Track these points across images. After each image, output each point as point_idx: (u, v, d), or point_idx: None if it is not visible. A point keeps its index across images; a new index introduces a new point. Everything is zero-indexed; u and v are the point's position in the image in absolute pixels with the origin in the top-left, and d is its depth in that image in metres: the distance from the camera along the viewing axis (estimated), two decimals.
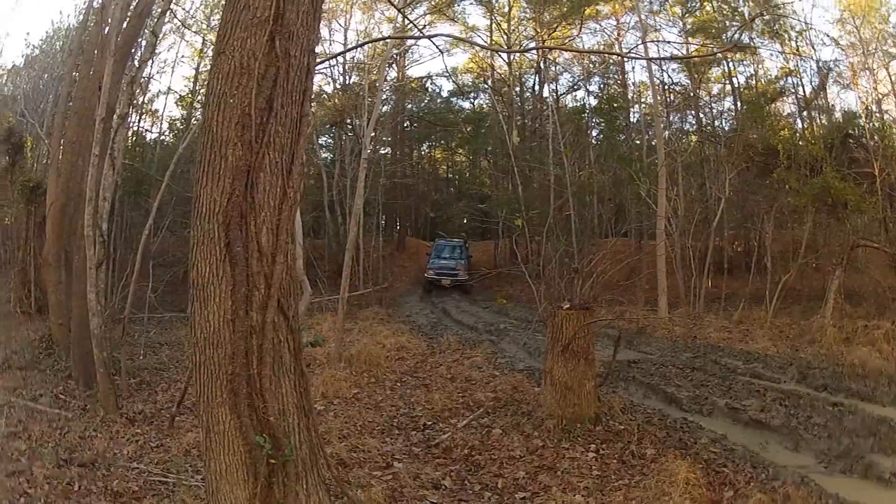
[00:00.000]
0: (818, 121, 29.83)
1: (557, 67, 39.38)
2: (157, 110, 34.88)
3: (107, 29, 12.89)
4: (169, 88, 34.54)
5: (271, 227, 4.82)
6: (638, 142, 34.66)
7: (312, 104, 5.13)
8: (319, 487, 5.12)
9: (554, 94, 37.46)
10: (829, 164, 18.85)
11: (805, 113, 30.58)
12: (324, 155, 36.20)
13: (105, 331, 10.48)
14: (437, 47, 30.09)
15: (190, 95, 34.07)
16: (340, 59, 34.43)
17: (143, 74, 20.63)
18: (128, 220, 25.60)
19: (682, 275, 24.09)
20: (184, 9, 28.33)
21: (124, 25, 12.34)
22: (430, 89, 44.77)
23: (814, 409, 10.29)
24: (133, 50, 13.42)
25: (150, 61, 18.99)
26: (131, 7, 12.63)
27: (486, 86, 40.23)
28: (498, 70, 40.10)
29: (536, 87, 39.78)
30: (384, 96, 28.94)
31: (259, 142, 4.71)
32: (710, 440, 8.89)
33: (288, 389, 4.97)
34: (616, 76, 37.59)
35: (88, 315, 10.31)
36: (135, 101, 20.87)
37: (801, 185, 19.13)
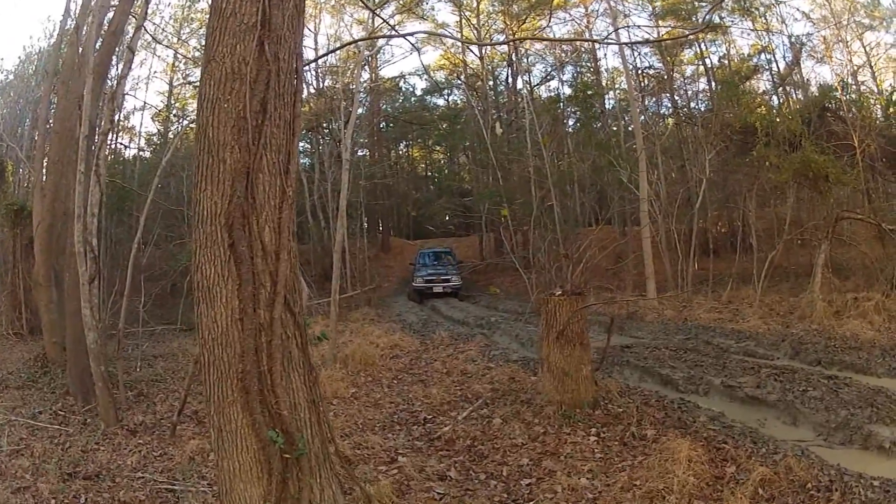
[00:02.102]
0: (794, 96, 30.02)
1: (530, 59, 39.57)
2: (133, 127, 34.97)
3: (82, 49, 12.88)
4: (144, 104, 34.45)
5: (273, 226, 4.87)
6: (615, 128, 34.79)
7: None
8: (332, 481, 5.17)
9: (528, 86, 37.54)
10: (808, 139, 18.90)
11: (780, 89, 30.77)
12: (303, 160, 36.17)
13: (101, 347, 10.45)
14: (412, 45, 30.02)
15: (165, 110, 34.06)
16: (314, 64, 34.38)
17: (122, 90, 20.61)
18: (113, 237, 25.60)
19: (668, 258, 24.14)
20: (154, 23, 28.26)
21: (99, 44, 12.34)
22: (403, 89, 45.02)
23: (809, 383, 10.32)
24: (110, 67, 13.38)
25: (127, 78, 18.96)
26: (105, 26, 12.62)
27: (459, 82, 40.31)
28: (470, 65, 40.19)
29: (510, 80, 39.90)
30: (360, 97, 28.84)
31: (256, 144, 4.76)
32: (709, 418, 8.92)
33: (298, 384, 5.02)
34: (589, 64, 37.73)
35: (83, 331, 10.29)
36: (113, 125, 20.85)
37: (780, 161, 19.17)
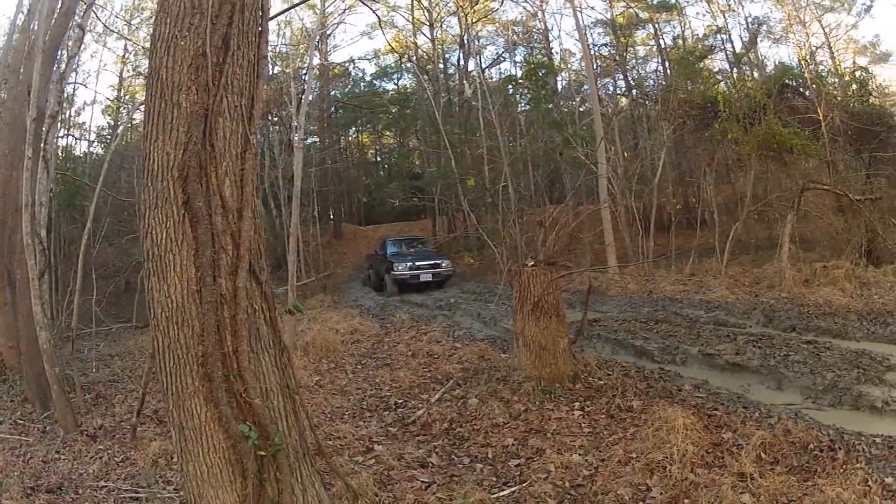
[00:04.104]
0: (751, 75, 30.17)
1: (481, 40, 39.38)
2: (84, 122, 34.24)
3: (34, 30, 12.33)
4: (94, 98, 33.83)
5: (235, 179, 4.44)
6: (566, 109, 34.65)
7: None
8: (314, 478, 4.71)
9: (479, 68, 37.28)
10: (772, 111, 18.92)
11: (735, 70, 30.95)
12: None
13: (55, 347, 10.07)
14: (373, 12, 29.13)
15: (115, 101, 33.32)
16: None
17: (72, 72, 19.95)
18: (65, 235, 24.86)
19: (628, 233, 24.13)
20: (98, 19, 27.47)
21: (52, 23, 11.80)
22: (353, 73, 44.69)
23: (789, 348, 10.23)
24: (60, 48, 12.87)
25: (78, 58, 18.32)
26: (57, 9, 12.09)
27: (410, 65, 39.93)
28: (421, 48, 39.88)
29: (461, 62, 39.65)
30: (309, 79, 28.30)
31: (216, 84, 4.34)
32: (694, 387, 8.77)
33: (268, 367, 4.54)
34: (540, 45, 37.67)
35: (37, 332, 9.83)
36: (63, 109, 20.18)
37: (743, 134, 19.16)
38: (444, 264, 25.94)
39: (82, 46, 13.78)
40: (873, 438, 6.26)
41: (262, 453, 4.20)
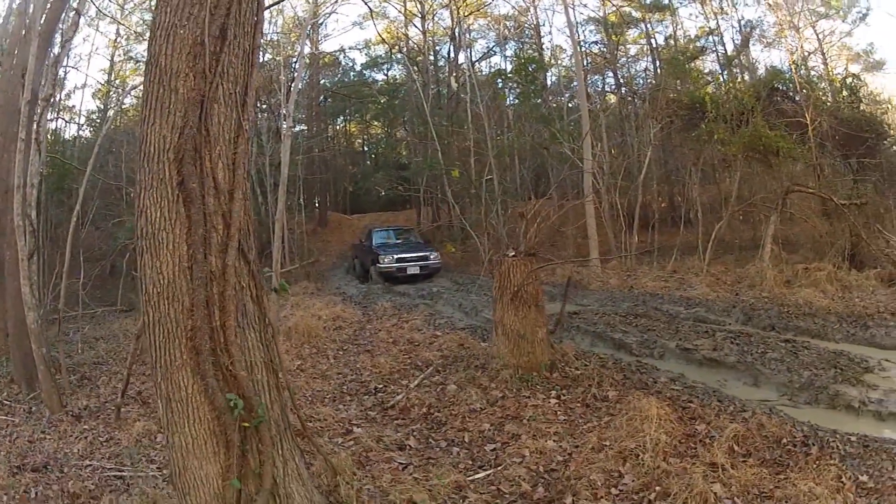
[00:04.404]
0: (741, 78, 30.28)
1: (472, 34, 39.33)
2: (74, 106, 34.05)
3: (28, 20, 12.38)
4: (85, 82, 33.66)
5: (227, 163, 4.57)
6: (555, 105, 34.73)
7: None
8: (295, 452, 4.86)
9: (469, 61, 37.25)
10: (759, 114, 19.01)
11: (726, 71, 31.05)
12: None
13: (42, 329, 10.15)
14: (365, 3, 28.91)
15: (106, 85, 33.17)
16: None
17: (66, 55, 19.85)
18: (52, 219, 24.72)
19: (611, 229, 24.18)
20: (91, 2, 27.30)
21: (48, 6, 11.86)
22: (343, 63, 44.58)
23: (767, 345, 10.33)
24: (55, 31, 12.98)
25: (72, 40, 18.30)
26: None
27: (399, 56, 39.85)
28: (412, 39, 39.81)
29: (451, 55, 39.60)
30: (300, 68, 28.17)
31: (212, 72, 4.50)
32: (669, 379, 8.87)
33: (254, 342, 4.67)
34: (532, 41, 37.68)
35: (25, 313, 9.92)
36: (56, 91, 20.07)
37: (729, 136, 19.27)
38: (432, 256, 24.67)
39: (77, 30, 13.70)
40: (848, 437, 6.33)
41: (246, 425, 4.32)
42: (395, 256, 24.34)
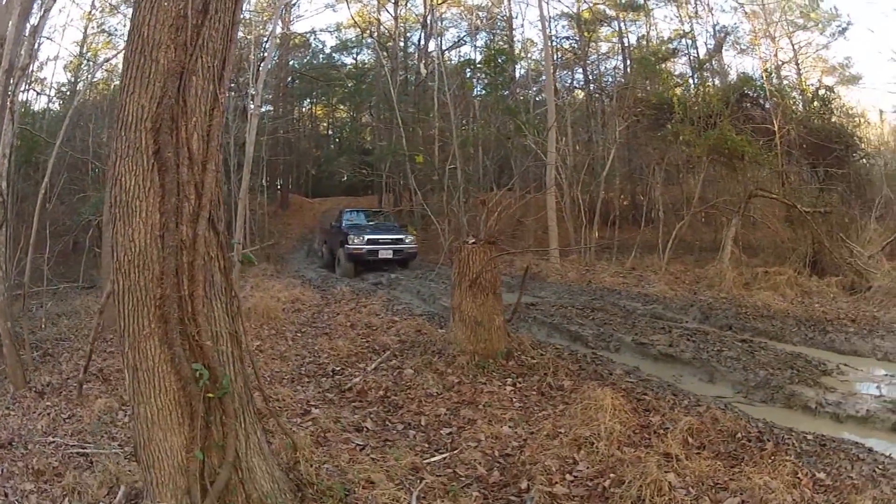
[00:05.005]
0: (711, 82, 30.52)
1: (444, 23, 39.26)
2: (45, 78, 33.42)
3: None
4: (58, 53, 33.24)
5: (202, 134, 4.60)
6: (522, 97, 34.75)
7: None
8: (256, 426, 4.84)
9: (439, 49, 37.15)
10: (727, 117, 19.17)
11: (697, 75, 31.29)
12: None
13: (7, 303, 10.00)
14: None
15: (78, 57, 32.64)
16: None
17: (44, 25, 19.54)
18: (19, 192, 24.24)
19: (572, 224, 24.30)
20: None
21: None
22: (313, 45, 44.35)
23: (723, 344, 10.38)
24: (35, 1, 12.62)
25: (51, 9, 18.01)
26: None
27: (370, 40, 39.67)
28: (384, 24, 39.67)
29: (422, 42, 39.49)
30: (270, 47, 27.86)
31: (193, 44, 4.55)
32: (625, 372, 8.88)
33: (220, 313, 4.65)
34: (503, 33, 37.69)
35: None
36: (31, 62, 19.73)
37: (695, 137, 19.41)
38: (407, 240, 22.58)
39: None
40: (804, 435, 6.36)
41: (210, 396, 4.33)
42: (366, 237, 22.08)
